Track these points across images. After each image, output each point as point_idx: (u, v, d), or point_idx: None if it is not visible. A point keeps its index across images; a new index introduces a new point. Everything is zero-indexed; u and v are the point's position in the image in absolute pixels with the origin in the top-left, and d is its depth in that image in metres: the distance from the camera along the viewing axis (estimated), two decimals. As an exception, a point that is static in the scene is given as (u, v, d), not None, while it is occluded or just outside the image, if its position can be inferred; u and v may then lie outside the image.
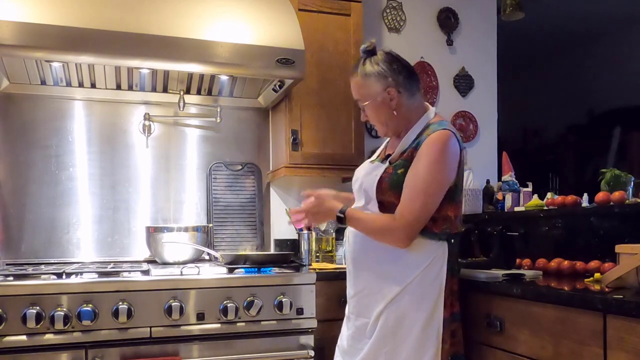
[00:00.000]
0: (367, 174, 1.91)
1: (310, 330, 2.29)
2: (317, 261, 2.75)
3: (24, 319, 1.94)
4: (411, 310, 1.80)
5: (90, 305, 2.03)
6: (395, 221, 1.78)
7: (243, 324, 2.21)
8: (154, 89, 2.86)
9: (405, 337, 1.80)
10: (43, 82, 2.70)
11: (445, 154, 1.78)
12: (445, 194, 1.81)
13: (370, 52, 1.89)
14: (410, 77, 1.90)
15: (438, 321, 1.81)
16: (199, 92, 2.94)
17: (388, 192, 1.83)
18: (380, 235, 1.83)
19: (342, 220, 1.88)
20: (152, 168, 2.91)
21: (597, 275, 1.93)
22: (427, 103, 1.99)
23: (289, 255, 2.63)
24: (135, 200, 2.86)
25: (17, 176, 2.70)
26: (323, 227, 2.77)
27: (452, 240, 1.87)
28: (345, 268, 2.03)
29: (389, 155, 1.93)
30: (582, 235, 2.22)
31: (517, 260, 2.34)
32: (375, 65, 1.86)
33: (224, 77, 2.72)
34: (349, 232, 1.96)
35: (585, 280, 1.93)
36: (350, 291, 1.96)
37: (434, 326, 1.81)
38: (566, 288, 1.76)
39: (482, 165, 3.48)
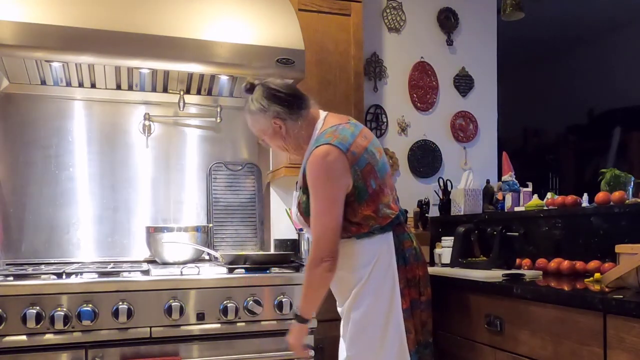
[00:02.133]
0: (293, 205, 2.03)
1: (310, 330, 2.29)
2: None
3: (24, 319, 1.94)
4: (370, 309, 1.86)
5: (90, 305, 2.03)
6: (309, 259, 1.86)
7: (243, 324, 2.21)
8: (154, 89, 2.86)
9: (371, 337, 1.87)
10: (43, 82, 2.70)
11: (322, 171, 1.82)
12: (352, 198, 1.84)
13: (250, 91, 1.98)
14: (292, 102, 1.94)
15: (397, 313, 1.86)
16: (199, 92, 2.94)
17: (307, 219, 1.91)
18: (312, 280, 1.87)
19: (299, 317, 1.94)
20: (152, 168, 2.91)
21: (597, 275, 1.92)
22: (316, 111, 2.00)
23: (289, 255, 2.63)
24: (135, 200, 2.86)
25: (17, 176, 2.69)
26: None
27: (397, 225, 1.92)
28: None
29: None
30: (582, 235, 2.22)
31: (517, 260, 2.34)
32: (256, 103, 1.94)
33: (224, 77, 2.72)
34: None
35: (585, 280, 1.93)
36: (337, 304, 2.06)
37: (394, 319, 1.86)
38: (566, 288, 1.76)
39: (482, 165, 3.49)
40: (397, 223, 1.92)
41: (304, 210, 1.91)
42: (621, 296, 1.49)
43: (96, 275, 2.14)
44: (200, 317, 2.15)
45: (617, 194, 2.11)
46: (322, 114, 2.00)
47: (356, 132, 1.90)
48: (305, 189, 1.89)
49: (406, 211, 2.10)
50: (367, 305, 1.87)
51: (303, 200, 1.90)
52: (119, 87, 2.81)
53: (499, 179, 3.04)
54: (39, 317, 1.95)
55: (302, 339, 1.97)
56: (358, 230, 1.87)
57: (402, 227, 1.95)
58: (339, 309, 2.00)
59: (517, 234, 2.29)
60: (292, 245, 3.04)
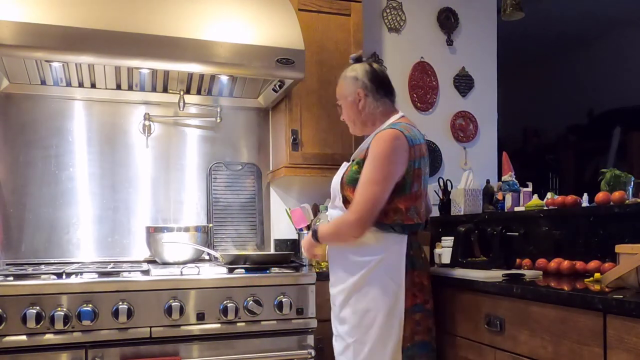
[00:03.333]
0: (337, 175, 2.13)
1: (310, 330, 2.30)
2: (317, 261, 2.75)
3: (24, 319, 1.95)
4: (374, 302, 1.94)
5: (90, 305, 2.03)
6: (347, 214, 1.97)
7: (243, 324, 2.21)
8: (154, 89, 2.86)
9: (370, 327, 1.94)
10: (43, 82, 2.70)
11: (389, 149, 1.94)
12: (395, 187, 1.95)
13: (357, 60, 2.18)
14: (381, 86, 2.12)
15: (400, 311, 1.94)
16: (199, 92, 2.94)
17: (346, 187, 2.02)
18: (338, 230, 2.01)
19: (316, 237, 2.08)
20: (152, 168, 2.91)
21: (597, 275, 1.92)
22: (395, 108, 2.17)
23: (289, 255, 2.63)
24: (135, 200, 2.86)
25: (17, 176, 2.69)
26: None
27: (413, 234, 2.02)
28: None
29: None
30: (582, 235, 2.22)
31: (517, 260, 2.34)
32: (353, 71, 2.13)
33: (224, 77, 2.72)
34: None
35: (585, 280, 1.93)
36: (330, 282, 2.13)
37: (396, 316, 1.94)
38: (566, 288, 1.76)
39: (482, 165, 3.49)
40: (415, 231, 2.03)
41: (347, 179, 2.00)
42: (621, 296, 1.49)
43: (96, 275, 2.14)
44: (200, 317, 2.15)
45: (617, 194, 2.11)
46: (400, 112, 2.15)
47: (422, 140, 2.06)
48: (361, 161, 1.98)
49: (426, 223, 2.14)
50: (372, 296, 1.94)
51: (352, 169, 2.00)
52: (119, 87, 2.81)
53: (499, 179, 3.04)
54: (39, 317, 1.96)
55: (313, 250, 2.14)
56: (381, 219, 1.95)
57: (416, 236, 2.05)
58: (333, 290, 2.06)
59: (517, 234, 2.29)
60: (292, 245, 3.04)
